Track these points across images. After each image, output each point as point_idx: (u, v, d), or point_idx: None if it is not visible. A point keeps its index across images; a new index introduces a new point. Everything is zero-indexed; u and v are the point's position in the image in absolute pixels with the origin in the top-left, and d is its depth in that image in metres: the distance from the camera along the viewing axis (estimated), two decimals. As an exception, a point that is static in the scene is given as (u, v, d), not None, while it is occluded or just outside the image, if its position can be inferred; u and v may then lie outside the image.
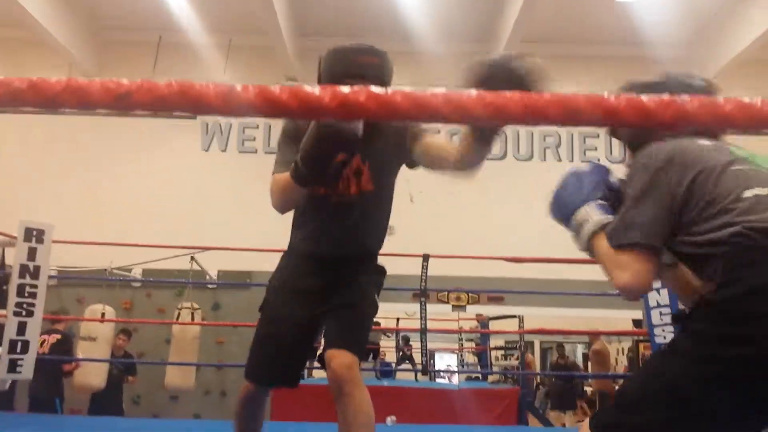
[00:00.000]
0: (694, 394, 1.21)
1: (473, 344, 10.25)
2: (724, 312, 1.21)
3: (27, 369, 4.18)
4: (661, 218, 1.35)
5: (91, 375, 6.25)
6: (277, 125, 8.53)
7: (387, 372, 9.56)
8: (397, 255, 5.81)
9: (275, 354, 2.05)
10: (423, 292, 4.81)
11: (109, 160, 8.63)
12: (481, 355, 9.29)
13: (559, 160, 8.88)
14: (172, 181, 8.46)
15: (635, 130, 1.56)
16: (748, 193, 1.31)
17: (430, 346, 5.22)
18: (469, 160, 1.85)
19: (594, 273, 6.18)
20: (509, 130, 8.89)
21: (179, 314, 6.78)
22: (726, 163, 1.38)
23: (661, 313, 4.07)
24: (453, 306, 8.14)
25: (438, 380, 10.39)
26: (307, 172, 1.84)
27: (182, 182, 8.49)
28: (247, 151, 8.86)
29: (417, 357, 8.84)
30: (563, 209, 1.52)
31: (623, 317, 7.46)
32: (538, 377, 13.97)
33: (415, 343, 10.38)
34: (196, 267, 6.95)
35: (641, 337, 7.59)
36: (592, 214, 1.45)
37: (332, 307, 2.01)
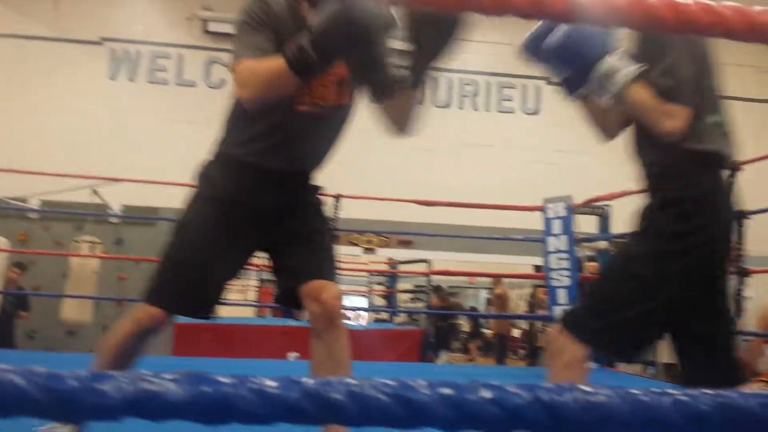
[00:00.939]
0: (661, 286, 1.51)
1: (382, 287, 10.47)
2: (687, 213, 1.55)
3: None
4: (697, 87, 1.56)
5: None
6: (190, 58, 8.20)
7: (289, 312, 9.64)
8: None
9: (200, 276, 1.76)
10: (334, 233, 4.84)
11: (9, 82, 8.06)
12: (389, 297, 9.52)
13: (476, 109, 9.03)
14: (75, 109, 8.02)
15: None
16: (712, 118, 1.59)
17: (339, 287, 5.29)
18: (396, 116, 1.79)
19: (499, 220, 6.45)
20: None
21: (78, 247, 6.56)
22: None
23: (558, 258, 4.29)
24: (364, 249, 8.25)
25: (346, 322, 10.59)
26: (318, 60, 1.54)
27: (86, 111, 8.05)
28: (158, 81, 8.48)
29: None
30: (582, 53, 1.55)
31: (525, 263, 7.82)
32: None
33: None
34: (97, 200, 6.69)
35: (541, 282, 8.00)
36: (623, 63, 1.54)
37: (295, 233, 1.81)
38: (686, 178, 1.59)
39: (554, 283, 4.23)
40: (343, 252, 5.86)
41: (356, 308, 10.32)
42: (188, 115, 7.93)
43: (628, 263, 1.64)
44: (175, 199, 7.09)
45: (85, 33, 8.32)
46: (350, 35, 1.52)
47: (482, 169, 8.43)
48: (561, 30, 1.56)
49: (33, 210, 7.22)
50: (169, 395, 0.45)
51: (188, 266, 1.76)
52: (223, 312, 9.10)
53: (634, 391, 0.49)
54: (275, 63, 1.60)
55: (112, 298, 7.28)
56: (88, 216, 6.63)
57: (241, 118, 1.81)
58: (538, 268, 6.70)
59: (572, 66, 1.61)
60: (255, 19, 1.72)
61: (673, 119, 1.51)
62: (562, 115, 9.35)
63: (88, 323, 6.81)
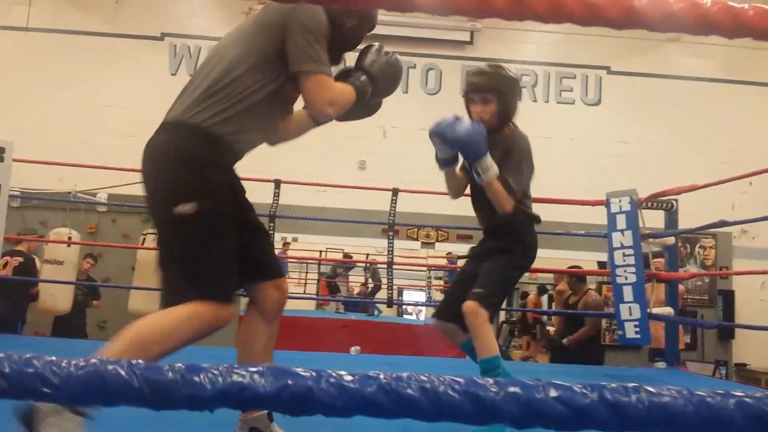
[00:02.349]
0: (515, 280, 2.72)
1: (442, 282, 10.47)
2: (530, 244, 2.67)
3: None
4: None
5: (56, 298, 6.30)
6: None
7: (353, 305, 9.76)
8: (367, 188, 5.92)
9: (233, 264, 1.82)
10: (391, 227, 4.89)
11: (74, 78, 8.42)
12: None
13: (535, 100, 8.91)
14: (138, 104, 8.31)
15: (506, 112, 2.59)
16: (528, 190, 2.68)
17: (398, 282, 5.36)
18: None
19: (561, 214, 6.36)
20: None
21: (144, 240, 6.80)
22: None
23: (624, 255, 4.22)
24: (422, 243, 8.28)
25: (405, 317, 10.65)
26: (370, 96, 1.99)
27: (149, 106, 8.32)
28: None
29: (381, 293, 9.03)
30: (476, 151, 2.41)
31: (589, 259, 7.70)
32: (503, 315, 14.40)
33: (382, 279, 10.56)
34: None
35: (605, 278, 7.85)
36: (492, 163, 2.44)
37: (256, 225, 2.00)
38: (517, 231, 2.61)
39: (619, 280, 4.16)
40: (401, 246, 5.93)
41: (415, 303, 10.35)
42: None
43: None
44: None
45: (146, 29, 8.60)
46: (393, 85, 2.06)
47: (542, 162, 8.29)
48: (464, 126, 2.39)
49: (102, 203, 7.54)
50: (257, 387, 0.49)
51: (229, 252, 1.80)
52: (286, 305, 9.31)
53: (700, 393, 0.51)
54: (349, 89, 1.95)
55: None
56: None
57: (253, 108, 1.86)
58: (602, 264, 6.59)
59: (462, 152, 2.48)
60: (323, 32, 1.86)
61: (509, 204, 2.46)
62: (625, 106, 9.19)
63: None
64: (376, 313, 8.58)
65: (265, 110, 1.90)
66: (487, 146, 2.41)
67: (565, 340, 6.00)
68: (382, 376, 0.51)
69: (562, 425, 0.50)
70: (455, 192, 2.74)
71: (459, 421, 0.50)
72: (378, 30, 2.16)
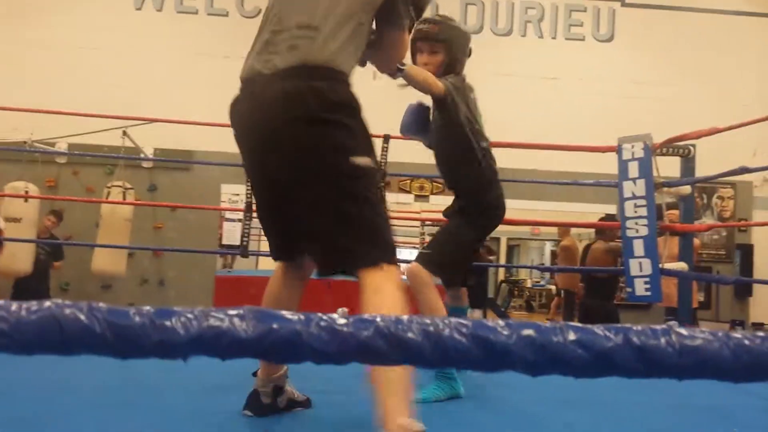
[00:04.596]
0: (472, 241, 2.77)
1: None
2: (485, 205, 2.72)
3: None
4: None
5: (16, 258, 6.25)
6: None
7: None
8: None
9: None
10: (383, 178, 4.86)
11: (27, 16, 8.21)
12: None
13: (541, 36, 8.80)
14: (100, 44, 8.13)
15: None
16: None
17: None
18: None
19: (567, 162, 6.36)
20: (487, 0, 8.72)
21: (108, 193, 6.74)
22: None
23: (635, 206, 4.21)
24: (415, 196, 8.26)
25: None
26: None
27: (112, 45, 8.16)
28: (187, 11, 8.51)
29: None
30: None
31: (595, 211, 7.72)
32: (501, 273, 14.52)
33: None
34: (128, 143, 6.84)
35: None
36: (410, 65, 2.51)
37: None
38: (475, 189, 2.72)
39: (630, 233, 4.17)
40: (394, 200, 5.91)
41: (408, 261, 10.39)
42: (220, 48, 7.96)
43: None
44: (209, 139, 7.16)
45: (109, -41, 8.38)
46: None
47: (548, 105, 8.27)
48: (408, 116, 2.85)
49: (62, 153, 7.44)
50: (237, 332, 0.47)
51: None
52: (263, 265, 9.31)
53: (737, 335, 0.49)
54: (406, 36, 2.14)
55: (148, 248, 7.50)
56: (118, 160, 6.77)
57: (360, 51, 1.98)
58: (611, 216, 6.61)
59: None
60: None
61: (437, 85, 2.57)
62: (640, 43, 9.09)
63: (122, 276, 7.06)
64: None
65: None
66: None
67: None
68: (379, 319, 0.49)
69: (583, 371, 0.49)
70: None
71: (466, 367, 0.48)
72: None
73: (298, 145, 1.78)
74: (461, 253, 2.74)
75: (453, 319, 0.49)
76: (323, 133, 1.78)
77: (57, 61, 8.03)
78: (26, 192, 6.24)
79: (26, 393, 2.28)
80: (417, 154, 6.39)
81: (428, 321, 0.49)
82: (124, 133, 6.62)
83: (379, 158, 4.95)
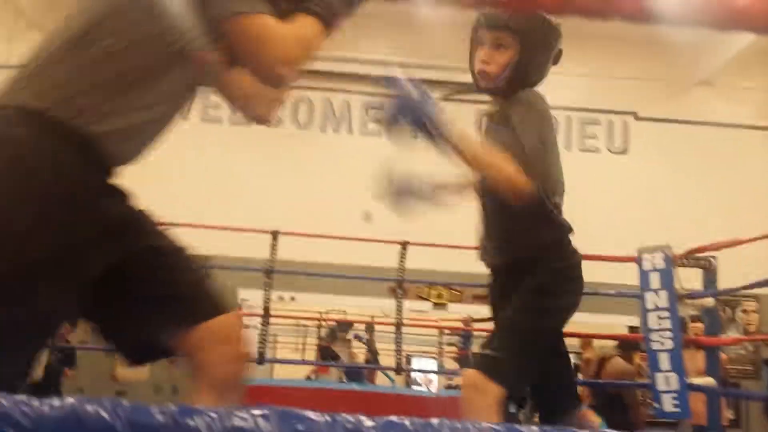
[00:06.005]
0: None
1: (455, 349, 10.31)
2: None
3: None
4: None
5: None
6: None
7: (355, 374, 9.61)
8: (372, 241, 5.88)
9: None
10: (400, 284, 4.85)
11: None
12: (463, 360, 9.36)
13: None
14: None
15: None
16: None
17: (406, 349, 5.28)
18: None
19: (586, 272, 6.28)
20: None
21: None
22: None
23: (659, 317, 4.15)
24: (433, 304, 8.19)
25: (414, 387, 10.45)
26: (344, 10, 1.44)
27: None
28: (211, 120, 8.81)
29: (386, 360, 8.89)
30: (413, 109, 1.73)
31: (618, 323, 7.59)
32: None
33: (387, 344, 10.41)
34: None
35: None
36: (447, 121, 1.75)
37: None
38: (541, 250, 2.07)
39: (655, 346, 4.08)
40: (409, 308, 5.87)
41: (425, 371, 10.18)
42: (242, 155, 8.17)
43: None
44: (229, 244, 7.19)
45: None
46: None
47: (565, 216, 8.30)
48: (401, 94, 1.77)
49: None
50: (261, 432, 0.46)
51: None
52: (279, 372, 9.16)
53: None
54: (308, 22, 1.41)
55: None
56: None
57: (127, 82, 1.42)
58: (633, 329, 6.49)
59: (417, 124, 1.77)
60: None
61: (520, 182, 1.91)
62: (655, 154, 9.20)
63: (141, 382, 6.97)
64: (390, 382, 8.45)
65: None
66: (427, 98, 1.72)
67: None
68: (407, 422, 0.48)
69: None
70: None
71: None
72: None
73: None
74: (535, 351, 1.96)
75: (485, 424, 0.48)
76: None
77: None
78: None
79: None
80: (435, 259, 6.41)
81: (459, 426, 0.48)
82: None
83: (398, 263, 4.97)
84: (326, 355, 10.69)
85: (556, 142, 2.01)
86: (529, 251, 1.98)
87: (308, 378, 9.09)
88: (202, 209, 7.56)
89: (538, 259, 1.96)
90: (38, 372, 6.35)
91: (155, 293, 1.52)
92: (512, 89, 1.86)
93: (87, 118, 1.35)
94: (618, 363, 6.09)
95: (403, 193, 2.03)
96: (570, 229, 2.08)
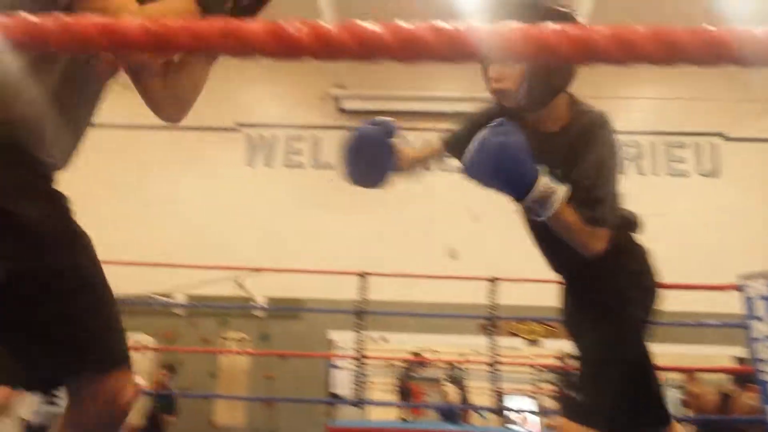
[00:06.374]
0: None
1: (551, 387, 10.03)
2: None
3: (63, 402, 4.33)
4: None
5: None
6: (326, 138, 8.61)
7: (449, 414, 9.48)
8: (461, 278, 5.85)
9: None
10: (492, 322, 4.80)
11: (147, 176, 8.91)
12: (560, 399, 9.09)
13: (642, 173, 8.75)
14: (215, 198, 8.69)
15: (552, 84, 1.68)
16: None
17: (499, 387, 5.17)
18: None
19: (683, 302, 6.03)
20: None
21: (225, 344, 6.91)
22: None
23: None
24: (526, 340, 8.05)
25: (510, 426, 10.19)
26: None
27: (225, 199, 8.71)
28: (294, 165, 9.04)
29: (480, 399, 8.74)
30: (519, 178, 1.57)
31: (720, 354, 7.25)
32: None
33: (477, 382, 10.22)
34: (242, 293, 7.10)
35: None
36: (553, 185, 1.59)
37: None
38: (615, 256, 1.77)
39: (766, 378, 3.87)
40: (503, 344, 5.77)
41: (521, 411, 9.91)
42: (326, 198, 8.34)
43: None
44: (320, 287, 7.31)
45: (221, 120, 9.09)
46: None
47: (657, 243, 8.04)
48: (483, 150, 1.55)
49: (180, 305, 7.77)
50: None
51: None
52: (375, 414, 9.13)
53: None
54: (181, 5, 1.35)
55: (264, 399, 7.50)
56: (233, 310, 7.01)
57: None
58: (741, 360, 6.18)
59: (514, 191, 1.61)
60: None
61: (599, 241, 1.68)
62: (747, 175, 8.84)
63: (239, 427, 7.08)
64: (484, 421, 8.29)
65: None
66: (530, 158, 1.55)
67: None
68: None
69: None
70: None
71: None
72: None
73: None
74: (643, 384, 1.77)
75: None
76: None
77: (171, 215, 8.57)
78: (141, 345, 6.52)
79: None
80: (525, 295, 6.31)
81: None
82: (238, 283, 6.90)
83: (489, 300, 4.92)
84: (405, 394, 10.62)
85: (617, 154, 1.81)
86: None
87: (402, 419, 9.04)
88: (289, 253, 7.73)
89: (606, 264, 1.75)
90: (140, 418, 6.57)
91: (46, 329, 1.38)
92: (542, 100, 1.68)
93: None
94: (748, 398, 5.79)
95: (362, 157, 1.84)
96: (632, 222, 1.92)
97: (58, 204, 1.46)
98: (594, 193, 1.66)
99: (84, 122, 1.55)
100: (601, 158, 1.68)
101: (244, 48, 0.63)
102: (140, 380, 5.99)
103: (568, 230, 1.65)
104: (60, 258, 1.38)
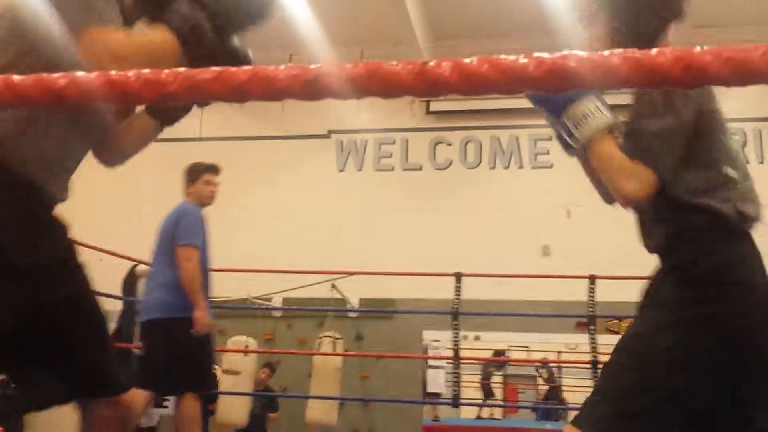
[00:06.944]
0: (695, 359, 1.41)
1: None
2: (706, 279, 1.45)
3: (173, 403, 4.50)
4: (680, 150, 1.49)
5: (234, 411, 6.63)
6: (413, 140, 8.64)
7: (547, 412, 9.37)
8: (558, 277, 5.78)
9: None
10: (591, 320, 4.73)
11: (241, 185, 9.21)
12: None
13: (747, 162, 8.36)
14: (308, 204, 8.89)
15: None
16: (730, 172, 1.56)
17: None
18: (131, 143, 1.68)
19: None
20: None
21: (320, 344, 7.06)
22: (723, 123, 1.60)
23: None
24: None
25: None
26: (214, 37, 1.41)
27: (318, 204, 8.90)
28: (384, 168, 9.15)
29: (577, 397, 8.60)
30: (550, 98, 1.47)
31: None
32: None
33: (572, 380, 10.04)
34: (337, 295, 7.25)
35: None
36: (601, 109, 1.46)
37: None
38: (696, 245, 1.51)
39: None
40: (603, 342, 5.66)
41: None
42: (416, 200, 8.40)
43: (634, 341, 1.52)
44: (411, 288, 7.40)
45: (312, 128, 9.30)
46: (252, 12, 1.44)
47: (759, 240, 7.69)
48: None
49: (276, 309, 8.03)
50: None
51: None
52: (465, 413, 9.13)
53: None
54: (159, 38, 1.36)
55: (358, 399, 7.65)
56: (328, 311, 7.19)
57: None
58: None
59: (549, 109, 1.51)
60: None
61: (634, 182, 1.45)
62: None
63: (333, 425, 7.22)
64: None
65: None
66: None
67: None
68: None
69: None
70: (604, 195, 1.71)
71: None
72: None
73: None
74: (663, 391, 1.43)
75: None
76: None
77: (268, 222, 8.83)
78: (246, 346, 6.73)
79: None
80: (625, 291, 6.15)
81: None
82: (333, 285, 7.05)
83: (588, 298, 4.83)
84: (488, 393, 10.54)
85: (723, 126, 1.60)
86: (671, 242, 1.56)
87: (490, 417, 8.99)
88: (382, 255, 7.83)
89: (677, 254, 1.54)
90: (244, 417, 6.79)
91: (57, 355, 1.47)
92: None
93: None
94: None
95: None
96: (734, 221, 1.55)
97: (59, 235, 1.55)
98: (650, 123, 1.45)
99: (82, 157, 1.64)
100: (671, 95, 1.46)
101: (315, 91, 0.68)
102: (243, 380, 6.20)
103: (602, 163, 1.48)
104: (61, 291, 1.47)
